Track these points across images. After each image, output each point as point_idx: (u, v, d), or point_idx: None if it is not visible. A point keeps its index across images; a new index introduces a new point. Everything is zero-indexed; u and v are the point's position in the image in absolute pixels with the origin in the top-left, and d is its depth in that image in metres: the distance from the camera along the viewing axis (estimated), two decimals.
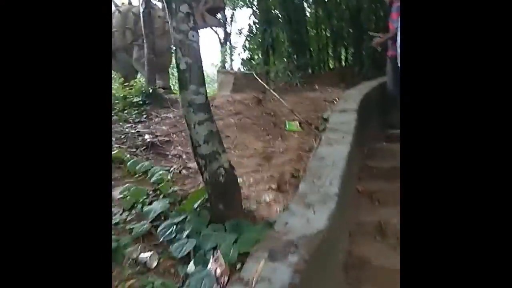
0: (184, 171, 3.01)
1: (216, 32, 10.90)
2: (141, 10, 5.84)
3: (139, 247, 2.00)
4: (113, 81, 5.46)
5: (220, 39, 10.30)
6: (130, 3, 7.38)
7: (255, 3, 8.38)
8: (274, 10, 7.88)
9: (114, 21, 6.83)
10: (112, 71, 7.30)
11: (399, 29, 3.73)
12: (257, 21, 8.37)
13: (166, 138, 3.75)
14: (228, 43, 9.52)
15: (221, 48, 9.85)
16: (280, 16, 7.60)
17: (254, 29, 8.42)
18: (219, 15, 7.68)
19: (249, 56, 8.50)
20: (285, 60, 7.33)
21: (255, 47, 8.53)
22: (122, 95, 5.11)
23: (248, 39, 8.69)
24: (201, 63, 2.21)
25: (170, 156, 3.36)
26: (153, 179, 2.75)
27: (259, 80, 5.46)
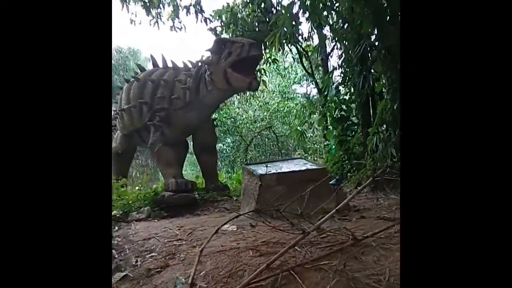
0: None
1: (315, 82, 8.11)
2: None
3: None
4: None
5: (319, 89, 7.48)
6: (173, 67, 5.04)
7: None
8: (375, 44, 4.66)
9: (131, 93, 4.93)
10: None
11: None
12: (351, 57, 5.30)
13: None
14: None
15: (319, 101, 6.95)
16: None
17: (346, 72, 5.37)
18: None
19: (343, 114, 5.41)
20: (386, 126, 4.03)
21: (351, 99, 5.42)
22: None
23: (342, 86, 5.66)
24: None
25: None
26: None
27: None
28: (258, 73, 7.73)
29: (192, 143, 5.19)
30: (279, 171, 3.30)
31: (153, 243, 2.75)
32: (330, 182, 3.07)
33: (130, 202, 4.30)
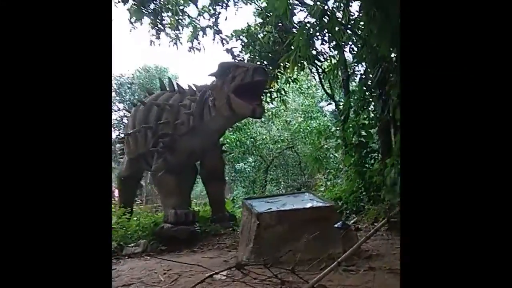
0: None
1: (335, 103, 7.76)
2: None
3: None
4: None
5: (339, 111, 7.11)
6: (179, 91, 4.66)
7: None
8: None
9: (137, 118, 4.76)
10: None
11: None
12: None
13: None
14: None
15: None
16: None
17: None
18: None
19: (361, 140, 5.01)
20: None
21: (371, 124, 5.02)
22: None
23: (361, 110, 5.26)
24: None
25: None
26: None
27: None
28: (267, 96, 7.50)
29: (199, 169, 4.95)
30: (280, 208, 2.97)
31: None
32: (335, 225, 2.70)
33: (128, 233, 4.07)
